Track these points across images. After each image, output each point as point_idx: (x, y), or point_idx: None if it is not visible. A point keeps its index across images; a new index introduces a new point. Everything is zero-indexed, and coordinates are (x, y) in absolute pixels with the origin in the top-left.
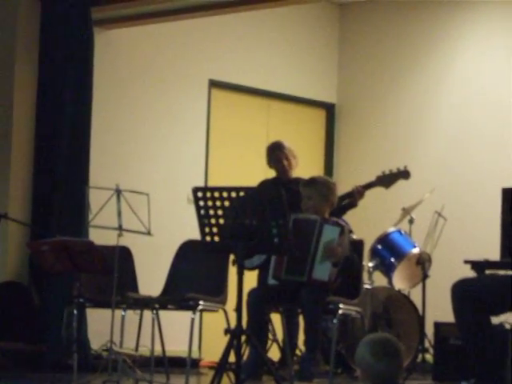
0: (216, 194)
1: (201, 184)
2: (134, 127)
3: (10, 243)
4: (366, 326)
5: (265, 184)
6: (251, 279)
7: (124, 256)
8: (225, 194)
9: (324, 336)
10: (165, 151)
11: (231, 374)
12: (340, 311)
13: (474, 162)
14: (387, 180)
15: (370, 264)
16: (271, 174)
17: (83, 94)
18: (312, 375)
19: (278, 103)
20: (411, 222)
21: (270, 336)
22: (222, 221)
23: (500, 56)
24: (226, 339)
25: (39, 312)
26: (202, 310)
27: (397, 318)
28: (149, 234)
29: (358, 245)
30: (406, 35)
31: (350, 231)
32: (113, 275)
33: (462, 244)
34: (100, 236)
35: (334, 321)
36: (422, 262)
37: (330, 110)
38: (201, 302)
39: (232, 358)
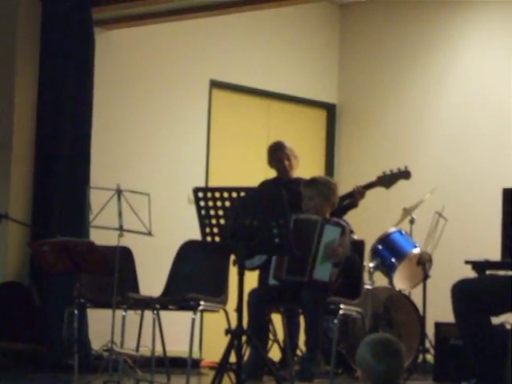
0: (217, 195)
1: (201, 184)
2: (135, 127)
3: (11, 243)
4: (366, 327)
5: (265, 184)
6: (252, 279)
7: (125, 256)
8: (225, 195)
9: (325, 336)
10: (165, 151)
11: (232, 375)
12: (341, 311)
13: (475, 162)
14: (388, 180)
15: (371, 264)
16: (272, 174)
17: (84, 94)
18: (313, 375)
19: (278, 103)
20: (412, 222)
21: (271, 336)
22: (222, 221)
23: (500, 56)
24: (226, 339)
25: (40, 312)
26: (202, 311)
27: (397, 319)
28: (149, 234)
29: (358, 245)
30: (406, 35)
31: (351, 231)
32: (113, 275)
33: (462, 244)
34: (101, 236)
35: (335, 321)
36: (423, 263)
37: (330, 110)
38: (201, 303)
39: (233, 359)
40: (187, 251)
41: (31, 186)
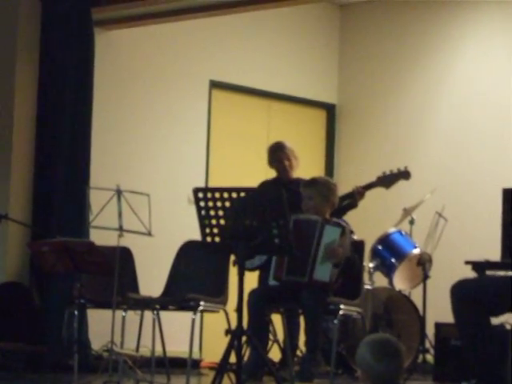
0: (217, 195)
1: (201, 184)
2: (135, 127)
3: (11, 244)
4: (366, 327)
5: (265, 184)
6: (252, 280)
7: (125, 257)
8: (225, 195)
9: (325, 336)
10: (165, 152)
11: (232, 375)
12: (341, 312)
13: (475, 163)
14: (388, 180)
15: (371, 264)
16: (272, 174)
17: (84, 95)
18: (313, 376)
19: (278, 104)
20: (412, 222)
21: (271, 337)
22: (222, 221)
23: (501, 56)
24: (226, 340)
25: (40, 312)
26: (202, 311)
27: (397, 319)
28: (149, 234)
29: (358, 245)
30: (406, 35)
31: (351, 232)
32: (113, 276)
33: (462, 244)
34: (100, 236)
35: (335, 321)
36: (423, 263)
37: (330, 110)
38: (201, 303)
39: (233, 359)
40: (187, 251)
41: (31, 186)
